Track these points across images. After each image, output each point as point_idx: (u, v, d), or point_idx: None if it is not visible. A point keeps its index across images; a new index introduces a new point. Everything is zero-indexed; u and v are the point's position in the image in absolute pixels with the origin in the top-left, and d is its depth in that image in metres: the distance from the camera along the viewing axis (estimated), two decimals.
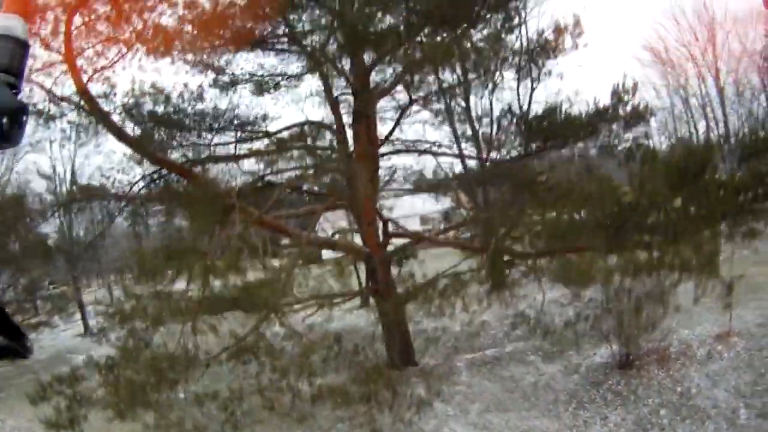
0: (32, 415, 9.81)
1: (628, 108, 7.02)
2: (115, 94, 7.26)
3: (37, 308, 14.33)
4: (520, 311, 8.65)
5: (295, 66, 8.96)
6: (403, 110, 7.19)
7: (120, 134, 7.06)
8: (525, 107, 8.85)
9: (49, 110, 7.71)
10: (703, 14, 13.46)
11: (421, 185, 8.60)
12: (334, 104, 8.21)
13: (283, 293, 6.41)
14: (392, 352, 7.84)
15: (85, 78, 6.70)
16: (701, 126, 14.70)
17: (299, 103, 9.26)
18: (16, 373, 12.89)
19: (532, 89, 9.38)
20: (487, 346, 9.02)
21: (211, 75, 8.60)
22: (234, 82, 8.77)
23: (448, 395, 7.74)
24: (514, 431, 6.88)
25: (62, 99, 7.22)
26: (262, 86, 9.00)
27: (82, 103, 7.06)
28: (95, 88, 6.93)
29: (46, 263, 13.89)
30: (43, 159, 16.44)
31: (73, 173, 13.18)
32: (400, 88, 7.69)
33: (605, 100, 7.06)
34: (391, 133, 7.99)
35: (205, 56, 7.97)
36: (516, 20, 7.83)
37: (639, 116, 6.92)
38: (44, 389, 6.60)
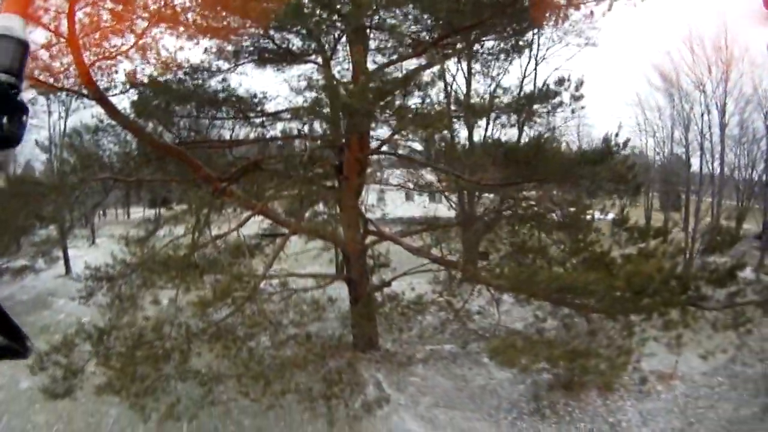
0: (13, 363, 10.65)
1: (617, 158, 7.48)
2: (116, 72, 7.44)
3: (20, 248, 14.62)
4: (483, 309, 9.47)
5: (298, 44, 9.16)
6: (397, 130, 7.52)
7: (117, 115, 7.28)
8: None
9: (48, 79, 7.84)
10: (722, 51, 13.58)
11: (407, 185, 9.13)
12: (332, 89, 8.57)
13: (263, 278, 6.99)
14: (358, 335, 8.62)
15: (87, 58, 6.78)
16: (696, 157, 15.10)
17: (299, 83, 9.47)
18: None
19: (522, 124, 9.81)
20: (447, 341, 9.83)
21: (215, 43, 8.74)
22: (237, 53, 8.90)
23: (403, 385, 8.62)
24: (456, 429, 7.80)
25: (62, 89, 7.35)
26: (264, 59, 9.19)
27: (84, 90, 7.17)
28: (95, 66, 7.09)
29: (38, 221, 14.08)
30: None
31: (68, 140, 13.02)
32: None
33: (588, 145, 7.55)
34: (383, 144, 8.39)
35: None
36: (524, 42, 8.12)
37: (621, 177, 7.37)
38: (42, 359, 6.96)
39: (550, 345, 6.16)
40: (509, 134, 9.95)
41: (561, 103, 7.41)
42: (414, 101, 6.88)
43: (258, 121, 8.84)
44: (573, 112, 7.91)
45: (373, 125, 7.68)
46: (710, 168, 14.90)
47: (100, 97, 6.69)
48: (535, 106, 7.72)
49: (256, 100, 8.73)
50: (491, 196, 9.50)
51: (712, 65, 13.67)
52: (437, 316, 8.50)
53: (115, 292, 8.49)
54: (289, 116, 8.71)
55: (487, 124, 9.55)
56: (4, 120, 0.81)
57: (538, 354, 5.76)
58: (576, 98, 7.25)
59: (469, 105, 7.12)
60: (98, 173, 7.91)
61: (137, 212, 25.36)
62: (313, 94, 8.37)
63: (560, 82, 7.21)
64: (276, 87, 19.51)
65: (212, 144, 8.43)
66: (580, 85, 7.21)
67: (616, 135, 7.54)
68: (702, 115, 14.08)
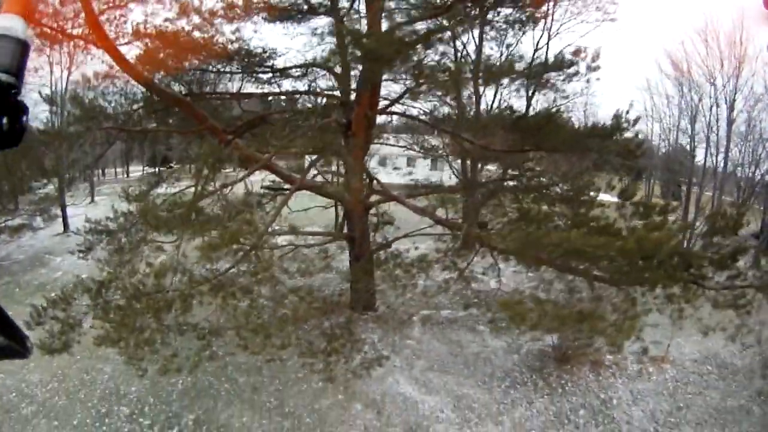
0: (14, 318, 10.68)
1: (625, 135, 7.44)
2: (125, 21, 7.27)
3: (17, 207, 14.47)
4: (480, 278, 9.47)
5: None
6: (414, 85, 7.33)
7: (126, 66, 7.10)
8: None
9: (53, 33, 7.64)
10: (736, 46, 13.36)
11: (413, 147, 9.02)
12: (342, 47, 8.43)
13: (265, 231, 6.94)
14: (356, 295, 8.65)
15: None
16: (701, 148, 14.92)
17: (310, 40, 9.29)
18: None
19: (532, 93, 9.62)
20: (444, 306, 9.87)
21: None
22: (248, 6, 8.72)
23: (398, 347, 8.70)
24: (450, 394, 7.90)
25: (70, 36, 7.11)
26: (275, 13, 8.90)
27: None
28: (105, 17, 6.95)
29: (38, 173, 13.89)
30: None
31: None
32: None
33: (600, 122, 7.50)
34: (393, 103, 8.25)
35: None
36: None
37: (629, 152, 7.33)
38: (39, 314, 6.74)
39: (556, 306, 6.17)
40: (518, 104, 9.75)
41: (577, 73, 7.30)
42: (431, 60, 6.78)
43: (266, 77, 8.69)
44: (588, 82, 7.76)
45: (386, 78, 7.51)
46: (714, 162, 14.68)
47: (108, 45, 6.52)
48: (551, 74, 7.58)
49: (265, 55, 8.57)
50: (494, 165, 9.45)
51: (725, 60, 13.43)
52: (438, 277, 8.47)
53: (114, 245, 8.43)
54: (298, 73, 8.56)
55: (496, 91, 9.34)
56: (4, 120, 0.80)
57: (546, 312, 5.75)
58: (592, 69, 7.14)
59: (488, 66, 6.95)
60: (103, 124, 7.77)
61: (137, 171, 25.31)
62: (324, 53, 8.23)
63: (577, 52, 7.10)
64: (284, 43, 18.44)
65: (220, 96, 8.28)
66: (597, 56, 7.11)
67: (627, 112, 7.52)
68: (711, 107, 13.86)
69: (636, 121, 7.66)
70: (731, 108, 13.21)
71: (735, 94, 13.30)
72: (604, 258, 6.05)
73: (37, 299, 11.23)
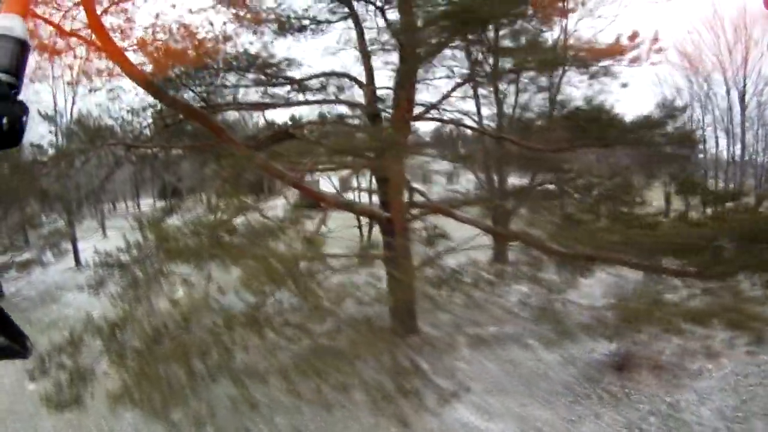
0: (21, 364, 8.87)
1: (677, 125, 6.24)
2: (132, 29, 5.88)
3: (28, 241, 12.71)
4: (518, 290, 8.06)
5: (324, 9, 7.61)
6: (463, 82, 6.02)
7: (134, 74, 5.68)
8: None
9: (55, 44, 6.26)
10: (741, 31, 12.22)
11: (449, 154, 7.53)
12: (366, 56, 7.07)
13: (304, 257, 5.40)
14: (396, 319, 7.09)
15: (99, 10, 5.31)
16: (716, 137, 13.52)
17: (326, 51, 7.89)
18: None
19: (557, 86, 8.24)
20: (489, 322, 8.42)
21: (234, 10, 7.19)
22: (258, 20, 7.35)
23: (449, 371, 7.18)
24: (513, 417, 6.42)
25: (71, 34, 5.73)
26: (285, 26, 7.57)
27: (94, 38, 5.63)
28: (110, 21, 5.55)
29: (42, 202, 12.19)
30: (46, 94, 14.28)
31: (76, 113, 10.99)
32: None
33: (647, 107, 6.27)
34: (439, 102, 6.85)
35: None
36: None
37: (687, 139, 6.13)
38: (43, 362, 5.35)
39: (677, 305, 4.79)
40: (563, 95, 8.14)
41: (637, 59, 6.00)
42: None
43: (284, 89, 7.24)
44: (653, 65, 6.46)
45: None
46: (731, 150, 13.15)
47: (113, 49, 5.08)
48: (608, 62, 6.25)
49: (283, 66, 7.15)
50: (527, 169, 8.01)
51: (732, 48, 12.20)
52: (495, 292, 6.93)
53: (128, 279, 6.78)
54: (317, 85, 7.14)
55: (558, 83, 7.86)
56: (4, 120, 0.71)
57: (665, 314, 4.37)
58: (656, 51, 5.86)
59: (544, 51, 5.65)
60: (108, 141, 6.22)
61: (147, 205, 23.24)
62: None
63: (633, 36, 5.83)
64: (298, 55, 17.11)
65: (239, 106, 6.78)
66: (657, 38, 5.86)
67: (673, 100, 6.31)
68: (727, 92, 12.46)
69: (684, 108, 6.46)
70: (743, 96, 12.01)
71: (745, 80, 12.09)
72: (694, 251, 4.75)
73: (48, 337, 9.50)
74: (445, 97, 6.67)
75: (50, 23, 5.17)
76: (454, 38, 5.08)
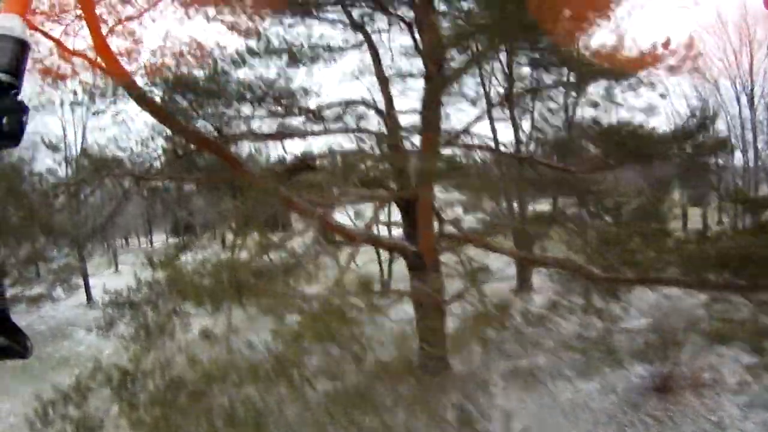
0: (29, 397, 8.03)
1: (709, 134, 5.70)
2: (139, 53, 5.33)
3: (39, 274, 11.96)
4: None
5: (339, 38, 7.09)
6: (500, 102, 5.45)
7: (142, 99, 5.09)
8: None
9: (58, 68, 5.71)
10: (745, 34, 11.68)
11: (477, 183, 6.84)
12: (383, 82, 6.51)
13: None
14: (426, 357, 6.32)
15: (104, 30, 4.78)
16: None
17: (343, 78, 7.34)
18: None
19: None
20: (519, 354, 7.69)
21: (245, 40, 6.65)
22: (270, 50, 6.78)
23: (487, 409, 6.41)
24: None
25: (75, 54, 5.20)
26: (297, 57, 6.98)
27: (99, 60, 5.08)
28: (116, 44, 4.99)
29: (50, 235, 11.50)
30: (53, 121, 13.67)
31: (83, 144, 10.31)
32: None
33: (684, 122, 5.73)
34: (469, 126, 6.26)
35: (239, 16, 6.13)
36: None
37: (722, 145, 5.60)
38: (45, 411, 4.57)
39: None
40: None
41: (673, 68, 5.40)
42: None
43: (301, 120, 6.66)
44: (695, 70, 5.88)
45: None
46: (746, 156, 12.02)
47: (120, 73, 4.50)
48: (646, 70, 5.63)
49: (297, 96, 6.59)
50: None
51: (737, 52, 11.36)
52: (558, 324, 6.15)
53: (140, 321, 6.06)
54: (336, 114, 6.55)
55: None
56: (4, 120, 0.68)
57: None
58: (694, 57, 5.29)
59: (580, 63, 5.05)
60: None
61: (160, 241, 22.34)
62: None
63: (666, 43, 5.26)
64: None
65: (255, 137, 6.16)
66: (692, 43, 5.31)
67: (702, 109, 5.75)
68: (737, 99, 11.53)
69: (714, 117, 5.91)
70: (751, 100, 11.25)
71: (752, 84, 11.39)
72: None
73: (59, 375, 8.64)
74: (478, 119, 6.09)
75: (51, 38, 4.59)
76: (489, 53, 4.51)
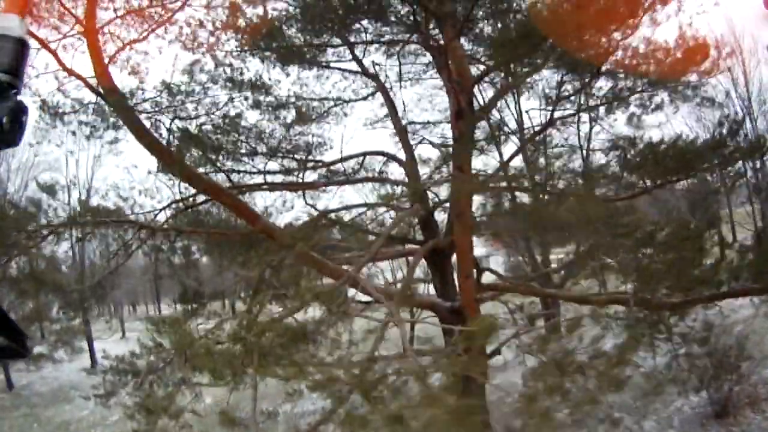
0: None
1: (740, 139, 4.99)
2: (143, 91, 4.46)
3: (44, 335, 10.49)
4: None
5: (349, 90, 6.40)
6: (541, 131, 4.69)
7: (145, 138, 4.14)
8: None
9: (57, 104, 4.78)
10: (736, 45, 10.78)
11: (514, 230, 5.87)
12: (402, 132, 5.75)
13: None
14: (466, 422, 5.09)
15: (106, 59, 4.03)
16: None
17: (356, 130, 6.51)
18: (12, 403, 9.36)
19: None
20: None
21: (252, 94, 5.81)
22: (280, 105, 5.99)
23: None
24: None
25: (72, 73, 4.25)
26: (304, 116, 6.16)
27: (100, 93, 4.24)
28: (118, 80, 4.13)
29: (53, 290, 10.16)
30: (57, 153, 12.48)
31: (85, 190, 9.02)
32: None
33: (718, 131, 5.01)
34: (511, 159, 5.44)
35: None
36: None
37: (759, 148, 4.87)
38: None
39: None
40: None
41: (710, 71, 4.74)
42: None
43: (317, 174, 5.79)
44: (726, 71, 5.15)
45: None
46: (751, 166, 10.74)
47: (122, 106, 3.62)
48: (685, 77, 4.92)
49: (312, 147, 5.76)
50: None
51: (729, 60, 10.83)
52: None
53: (143, 392, 4.84)
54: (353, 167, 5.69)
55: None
56: (4, 120, 0.62)
57: None
58: (727, 56, 4.62)
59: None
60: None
61: (168, 309, 20.50)
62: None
63: (701, 46, 4.59)
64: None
65: (271, 188, 5.22)
66: (720, 44, 4.66)
67: (728, 115, 5.10)
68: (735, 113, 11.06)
69: (742, 121, 5.23)
70: (749, 111, 10.40)
71: (749, 95, 10.65)
72: None
73: None
74: (519, 151, 5.26)
75: (48, 49, 3.71)
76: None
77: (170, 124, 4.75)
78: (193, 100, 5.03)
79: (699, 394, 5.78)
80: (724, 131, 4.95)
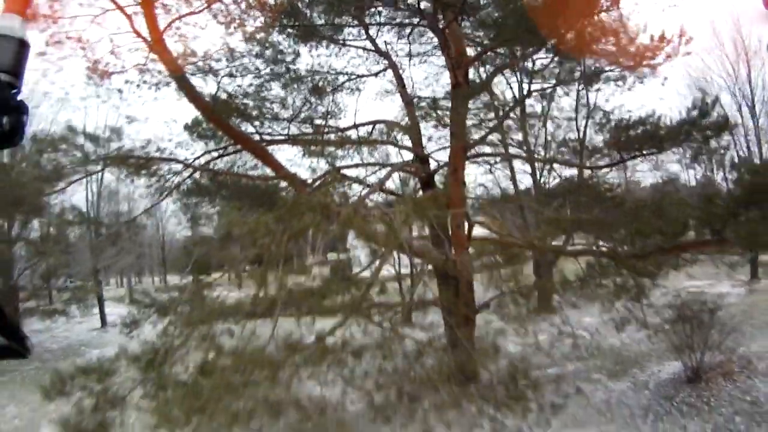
0: (36, 404, 7.61)
1: (711, 120, 6.08)
2: (191, 56, 5.73)
3: (52, 297, 11.89)
4: (569, 332, 7.35)
5: (363, 66, 7.66)
6: (517, 105, 5.87)
7: (194, 97, 5.39)
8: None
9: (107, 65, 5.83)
10: (740, 43, 11.00)
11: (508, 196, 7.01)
12: (408, 104, 6.99)
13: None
14: (456, 369, 6.20)
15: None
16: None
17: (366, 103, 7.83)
18: (25, 361, 10.61)
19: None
20: (546, 365, 7.58)
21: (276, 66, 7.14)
22: (297, 79, 7.24)
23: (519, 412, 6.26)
24: None
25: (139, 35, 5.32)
26: (320, 89, 7.44)
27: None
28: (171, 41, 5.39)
29: (67, 249, 11.55)
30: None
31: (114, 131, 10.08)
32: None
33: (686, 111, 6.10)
34: (489, 133, 6.66)
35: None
36: None
37: (723, 128, 5.95)
38: (63, 381, 4.49)
39: None
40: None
41: (671, 55, 5.85)
42: None
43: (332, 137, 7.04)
44: (687, 54, 6.21)
45: None
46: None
47: (175, 68, 4.87)
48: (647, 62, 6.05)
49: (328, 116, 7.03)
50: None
51: (734, 63, 11.03)
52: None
53: (171, 316, 6.01)
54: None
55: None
56: (4, 120, 0.68)
57: None
58: (687, 41, 5.70)
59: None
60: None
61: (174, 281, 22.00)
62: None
63: (662, 37, 5.73)
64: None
65: (294, 141, 6.47)
66: (682, 32, 5.76)
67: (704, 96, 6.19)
68: (739, 109, 10.84)
69: (715, 102, 6.28)
70: (752, 109, 11.27)
71: (753, 94, 11.26)
72: None
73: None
74: (502, 119, 6.46)
75: (123, 12, 4.85)
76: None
77: (218, 82, 5.98)
78: (229, 67, 6.37)
79: (674, 362, 6.74)
80: (695, 113, 6.07)
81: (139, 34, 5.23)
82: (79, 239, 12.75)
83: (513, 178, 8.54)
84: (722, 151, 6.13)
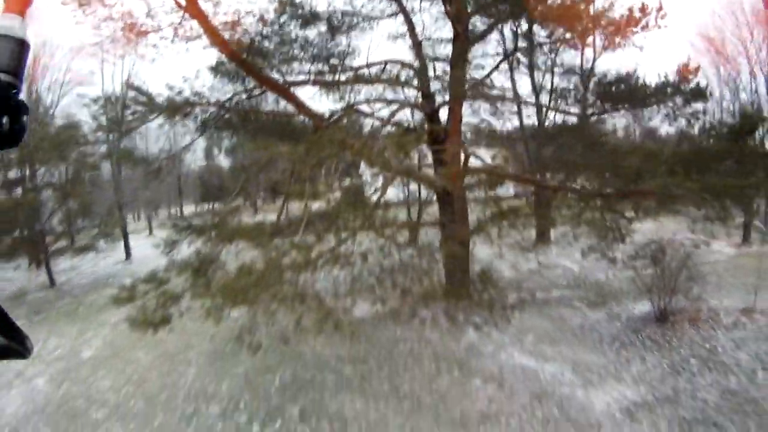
0: (75, 334, 9.02)
1: (691, 85, 7.06)
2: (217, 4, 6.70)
3: (74, 238, 13.23)
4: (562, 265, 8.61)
5: (377, 9, 8.47)
6: (508, 56, 6.88)
7: (221, 43, 6.41)
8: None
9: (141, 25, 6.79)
10: (760, 11, 11.59)
11: (497, 135, 8.22)
12: (417, 46, 7.94)
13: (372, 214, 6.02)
14: (451, 285, 7.56)
15: None
16: None
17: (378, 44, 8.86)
18: (56, 296, 12.09)
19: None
20: (535, 290, 8.89)
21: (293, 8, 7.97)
22: (313, 18, 8.06)
23: (503, 327, 7.60)
24: (565, 360, 6.79)
25: None
26: (335, 27, 8.32)
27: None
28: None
29: (89, 189, 12.86)
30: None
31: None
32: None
33: (665, 75, 7.08)
34: (486, 77, 7.75)
35: None
36: None
37: (701, 94, 6.94)
38: (131, 289, 5.80)
39: None
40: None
41: (647, 26, 6.85)
42: None
43: (345, 77, 8.11)
44: (660, 28, 7.21)
45: None
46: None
47: (203, 18, 5.90)
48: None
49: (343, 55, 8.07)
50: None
51: (753, 29, 11.91)
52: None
53: (207, 237, 7.27)
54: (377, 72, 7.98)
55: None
56: (5, 120, 0.71)
57: None
58: (662, 16, 6.72)
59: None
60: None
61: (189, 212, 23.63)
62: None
63: (643, 8, 6.74)
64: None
65: (316, 82, 7.58)
66: (660, 6, 6.73)
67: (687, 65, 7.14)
68: (752, 77, 12.07)
69: (697, 69, 7.22)
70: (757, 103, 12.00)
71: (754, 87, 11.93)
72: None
73: (105, 316, 9.88)
74: (494, 69, 7.55)
75: None
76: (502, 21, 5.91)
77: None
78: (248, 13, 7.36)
79: (648, 302, 7.92)
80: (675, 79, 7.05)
81: None
82: (95, 181, 14.12)
83: (519, 118, 9.67)
84: (698, 116, 7.08)
